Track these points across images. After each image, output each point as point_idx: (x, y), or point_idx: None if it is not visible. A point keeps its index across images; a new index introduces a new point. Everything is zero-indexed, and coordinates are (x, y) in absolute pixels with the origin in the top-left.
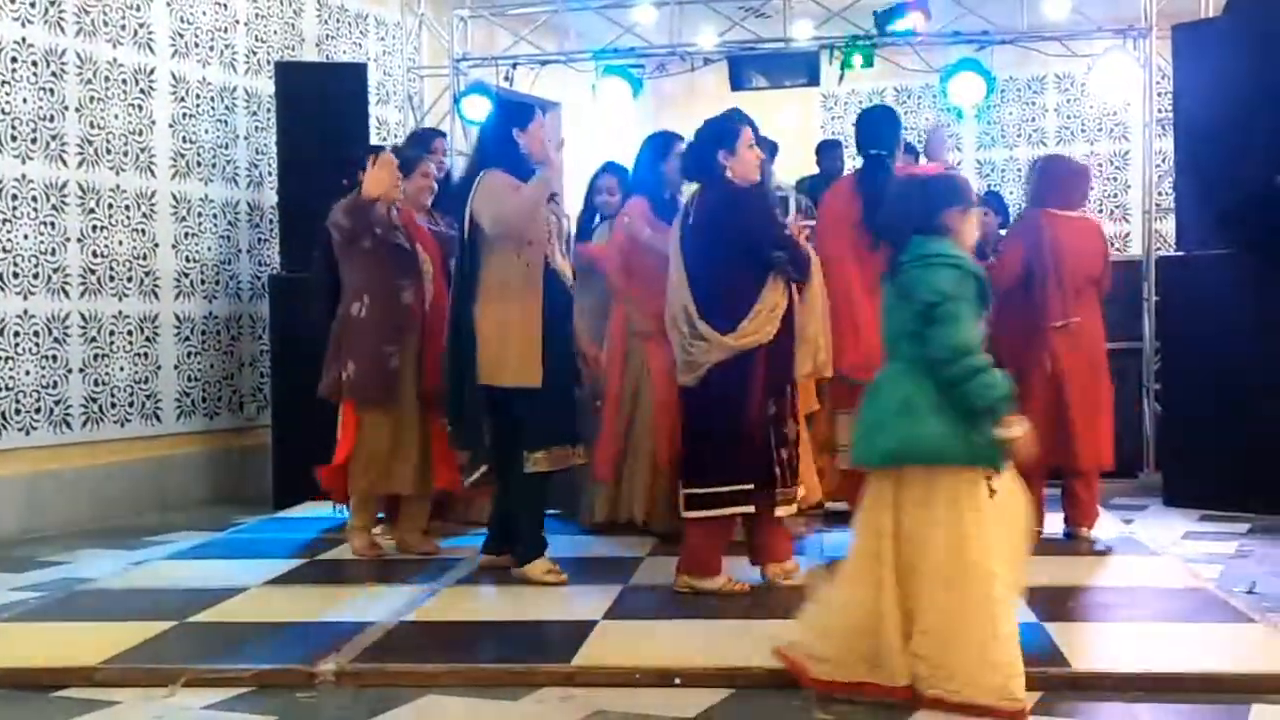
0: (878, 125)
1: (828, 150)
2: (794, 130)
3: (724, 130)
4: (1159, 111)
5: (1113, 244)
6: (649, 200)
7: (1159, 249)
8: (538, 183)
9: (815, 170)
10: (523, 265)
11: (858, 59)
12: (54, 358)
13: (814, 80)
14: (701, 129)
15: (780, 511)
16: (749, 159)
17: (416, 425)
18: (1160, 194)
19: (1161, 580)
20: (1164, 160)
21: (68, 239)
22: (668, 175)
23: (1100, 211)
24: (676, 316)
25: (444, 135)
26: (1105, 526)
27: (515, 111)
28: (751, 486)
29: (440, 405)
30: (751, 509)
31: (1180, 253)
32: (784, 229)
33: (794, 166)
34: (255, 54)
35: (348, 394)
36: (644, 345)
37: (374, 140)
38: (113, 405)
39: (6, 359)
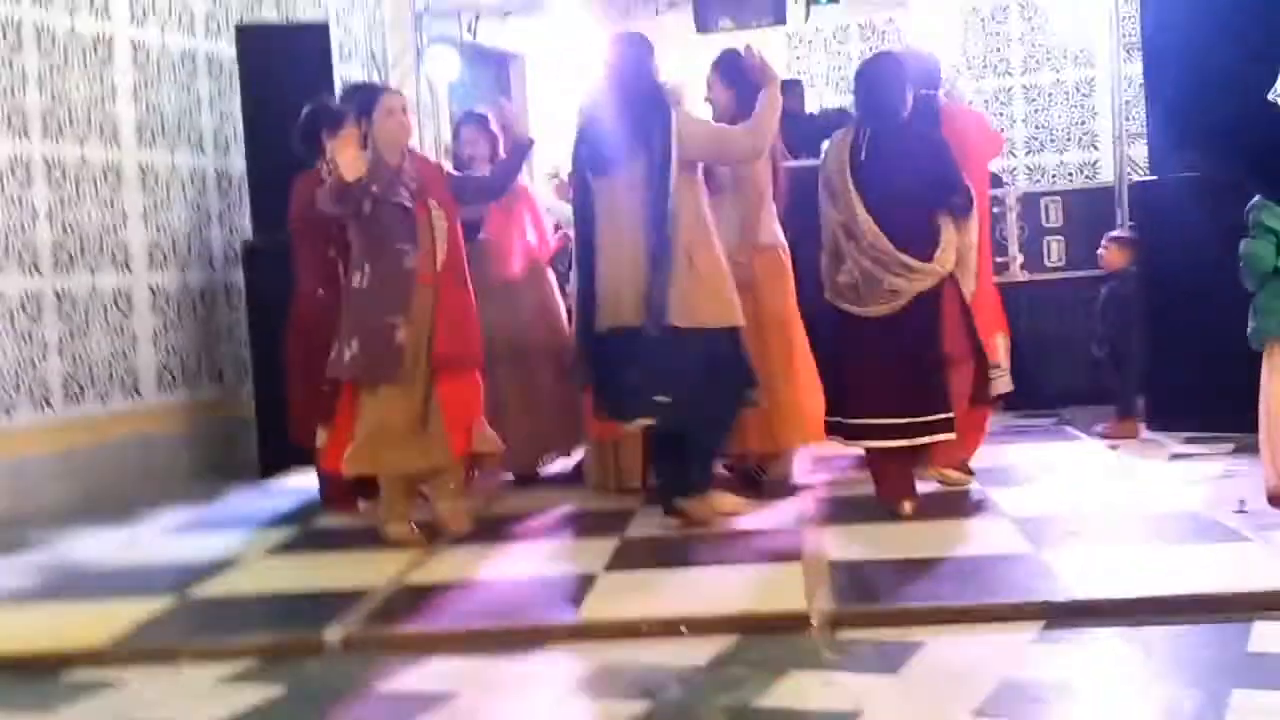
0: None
1: (789, 89)
2: None
3: (906, 72)
4: (1125, 36)
5: (1082, 172)
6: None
7: (1130, 174)
8: (772, 101)
9: None
10: (701, 201)
11: None
12: (30, 336)
13: (780, 19)
14: (883, 68)
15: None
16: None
17: (425, 399)
18: (1129, 119)
19: (1153, 504)
20: (1130, 85)
21: (36, 215)
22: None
23: (1068, 139)
24: (861, 249)
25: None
26: (1092, 454)
27: (650, 49)
28: (953, 415)
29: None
30: (953, 436)
31: (1153, 177)
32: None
33: None
34: (215, 18)
35: (350, 372)
36: None
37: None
38: (92, 382)
39: None
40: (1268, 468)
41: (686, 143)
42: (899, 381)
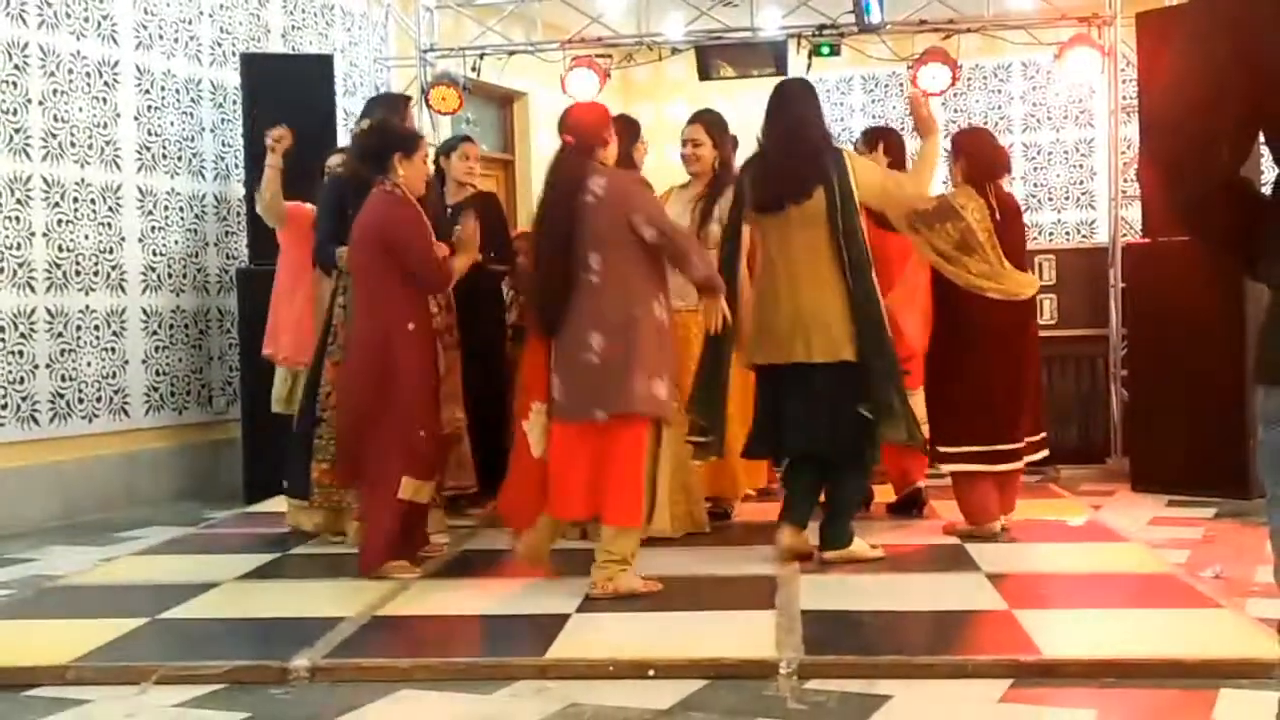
0: None
1: None
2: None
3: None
4: (1123, 98)
5: (1079, 231)
6: None
7: (1125, 235)
8: (931, 154)
9: None
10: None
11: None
12: (20, 353)
13: (781, 70)
14: (983, 134)
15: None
16: None
17: None
18: (1126, 180)
19: (1129, 565)
20: (1129, 147)
21: (33, 233)
22: None
23: (1066, 198)
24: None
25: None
26: (1074, 512)
27: (815, 94)
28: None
29: None
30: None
31: (1146, 239)
32: None
33: None
34: (220, 45)
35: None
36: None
37: (342, 131)
38: (80, 401)
39: None
40: None
41: (861, 183)
42: (1031, 405)
